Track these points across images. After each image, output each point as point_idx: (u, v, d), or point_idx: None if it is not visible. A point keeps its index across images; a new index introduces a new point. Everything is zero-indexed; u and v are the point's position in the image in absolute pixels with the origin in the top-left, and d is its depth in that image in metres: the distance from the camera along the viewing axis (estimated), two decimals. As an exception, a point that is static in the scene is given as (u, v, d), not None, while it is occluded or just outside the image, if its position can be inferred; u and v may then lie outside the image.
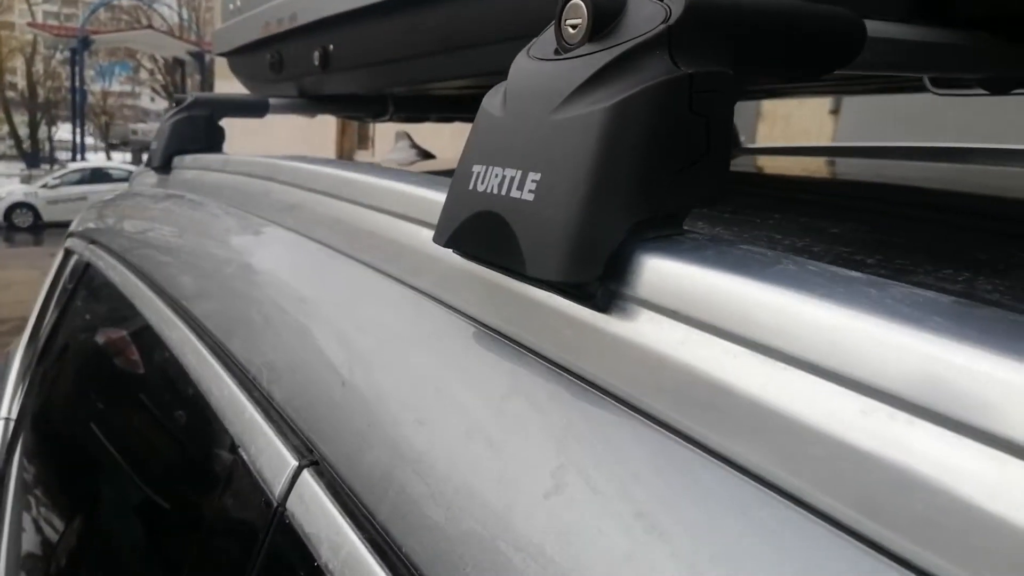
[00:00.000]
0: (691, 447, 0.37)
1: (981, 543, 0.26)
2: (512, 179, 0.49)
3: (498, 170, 0.50)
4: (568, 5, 0.50)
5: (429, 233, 0.63)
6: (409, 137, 2.32)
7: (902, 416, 0.30)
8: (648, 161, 0.45)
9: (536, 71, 0.52)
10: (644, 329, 0.42)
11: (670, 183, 0.46)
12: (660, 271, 0.42)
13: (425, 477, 0.43)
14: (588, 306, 0.46)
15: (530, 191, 0.47)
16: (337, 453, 0.52)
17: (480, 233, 0.51)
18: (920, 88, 1.07)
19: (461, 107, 1.86)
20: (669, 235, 0.46)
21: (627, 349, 0.43)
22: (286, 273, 0.76)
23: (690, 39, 0.46)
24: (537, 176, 0.47)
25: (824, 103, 4.65)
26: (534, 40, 0.55)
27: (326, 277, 0.70)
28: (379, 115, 1.88)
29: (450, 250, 0.58)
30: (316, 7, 1.43)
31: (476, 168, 0.53)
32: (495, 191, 0.50)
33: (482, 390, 0.47)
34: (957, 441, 0.28)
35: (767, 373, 0.36)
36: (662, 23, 0.46)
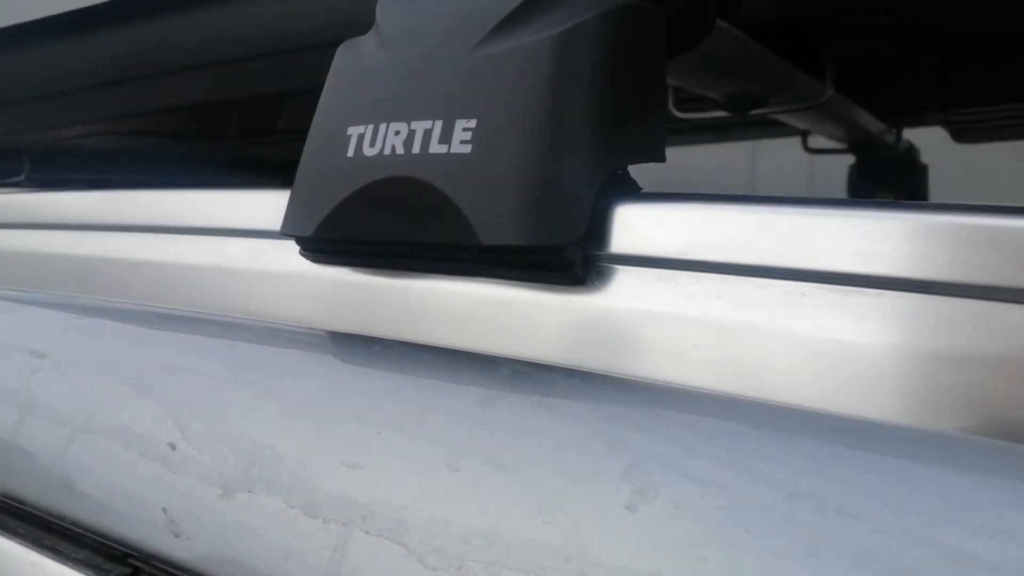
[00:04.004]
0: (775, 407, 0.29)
1: None
2: (427, 132, 0.37)
3: (399, 125, 0.38)
4: None
5: (248, 245, 0.47)
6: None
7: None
8: (614, 96, 0.37)
9: (429, 8, 0.41)
10: (655, 291, 0.34)
11: (629, 128, 0.39)
12: (664, 224, 0.34)
13: (395, 534, 0.29)
14: (563, 279, 0.36)
15: (463, 142, 0.36)
16: (189, 545, 0.33)
17: (379, 209, 0.38)
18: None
19: (119, 166, 1.58)
20: (635, 190, 0.38)
21: (630, 319, 0.34)
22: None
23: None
24: (471, 123, 0.36)
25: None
26: None
27: (61, 329, 0.49)
28: (8, 176, 1.52)
29: (290, 257, 0.43)
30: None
31: (354, 130, 0.40)
32: (400, 151, 0.38)
33: (432, 410, 0.33)
34: None
35: (843, 302, 0.30)
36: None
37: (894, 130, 1.42)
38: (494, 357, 0.35)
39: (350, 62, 0.43)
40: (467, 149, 0.36)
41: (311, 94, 1.09)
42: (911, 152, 1.65)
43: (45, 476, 0.40)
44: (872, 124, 1.24)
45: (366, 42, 0.43)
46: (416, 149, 0.38)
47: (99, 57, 0.97)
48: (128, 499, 0.37)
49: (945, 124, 1.20)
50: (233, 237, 0.47)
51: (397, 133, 0.38)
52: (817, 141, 1.54)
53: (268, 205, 0.47)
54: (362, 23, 0.74)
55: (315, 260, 0.42)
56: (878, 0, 0.67)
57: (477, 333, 0.37)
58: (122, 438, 0.38)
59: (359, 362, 0.38)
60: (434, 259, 0.38)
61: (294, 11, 0.82)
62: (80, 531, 0.37)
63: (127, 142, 1.39)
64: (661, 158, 0.41)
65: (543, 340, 0.36)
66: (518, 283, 0.37)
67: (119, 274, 0.50)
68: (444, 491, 0.30)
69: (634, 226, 0.35)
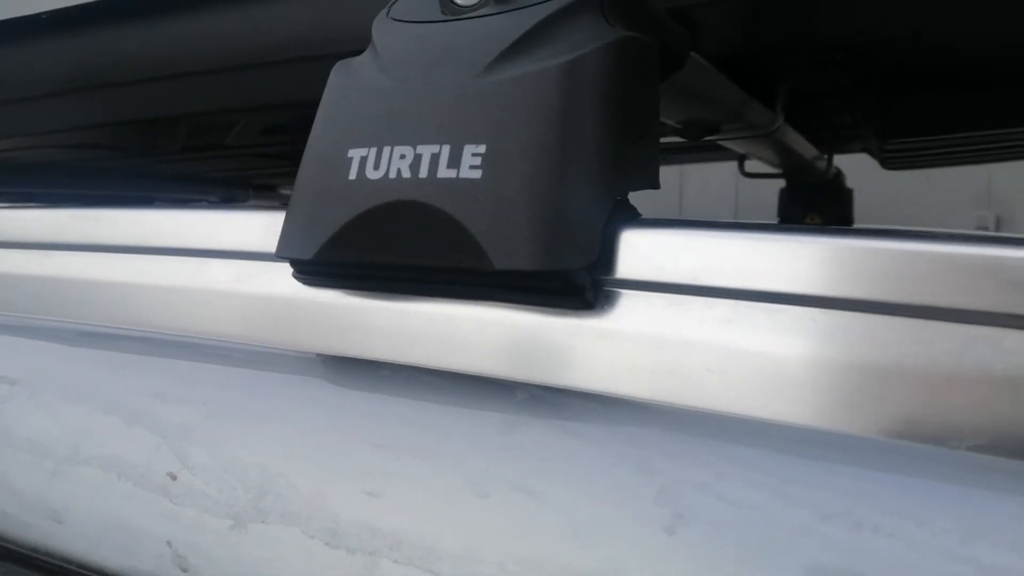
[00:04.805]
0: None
1: None
2: (434, 156, 0.38)
3: (404, 149, 0.38)
4: None
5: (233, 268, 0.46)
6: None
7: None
8: (620, 124, 0.38)
9: (429, 33, 0.41)
10: (666, 316, 0.35)
11: (632, 155, 0.40)
12: (674, 250, 0.35)
13: (427, 562, 0.29)
14: (572, 304, 0.36)
15: (473, 167, 0.37)
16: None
17: (385, 232, 0.38)
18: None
19: (54, 180, 1.51)
20: (636, 216, 0.39)
21: (642, 343, 0.35)
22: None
23: (618, 0, 0.41)
24: (480, 148, 0.37)
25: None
26: (392, 3, 0.45)
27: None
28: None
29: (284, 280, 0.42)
30: None
31: (356, 152, 0.40)
32: (406, 175, 0.38)
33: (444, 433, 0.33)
34: None
35: (854, 328, 0.31)
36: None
37: (825, 156, 1.49)
38: (507, 381, 0.35)
39: (347, 83, 0.43)
40: (477, 174, 0.36)
41: (260, 111, 1.07)
42: (839, 177, 1.73)
43: (28, 510, 0.38)
44: (808, 151, 1.29)
45: (363, 63, 0.43)
46: (423, 173, 0.38)
47: (38, 69, 0.93)
48: (127, 532, 0.35)
49: (879, 152, 1.27)
50: (214, 258, 0.46)
51: (402, 157, 0.38)
52: (752, 166, 1.60)
53: (252, 226, 0.46)
54: (322, 41, 0.73)
55: (312, 283, 0.42)
56: (832, 35, 0.70)
57: (487, 357, 0.37)
58: (114, 469, 0.37)
59: (366, 387, 0.37)
60: (442, 283, 0.38)
61: (250, 28, 0.81)
62: (73, 567, 0.35)
63: (61, 155, 1.34)
64: (657, 184, 0.42)
65: (554, 365, 0.36)
66: (526, 308, 0.37)
67: (91, 297, 0.49)
68: (474, 518, 0.30)
69: (643, 252, 0.36)
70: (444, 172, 0.37)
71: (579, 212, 0.36)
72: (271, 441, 0.35)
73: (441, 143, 0.38)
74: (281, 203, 1.78)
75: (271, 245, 0.43)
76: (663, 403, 0.33)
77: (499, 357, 0.37)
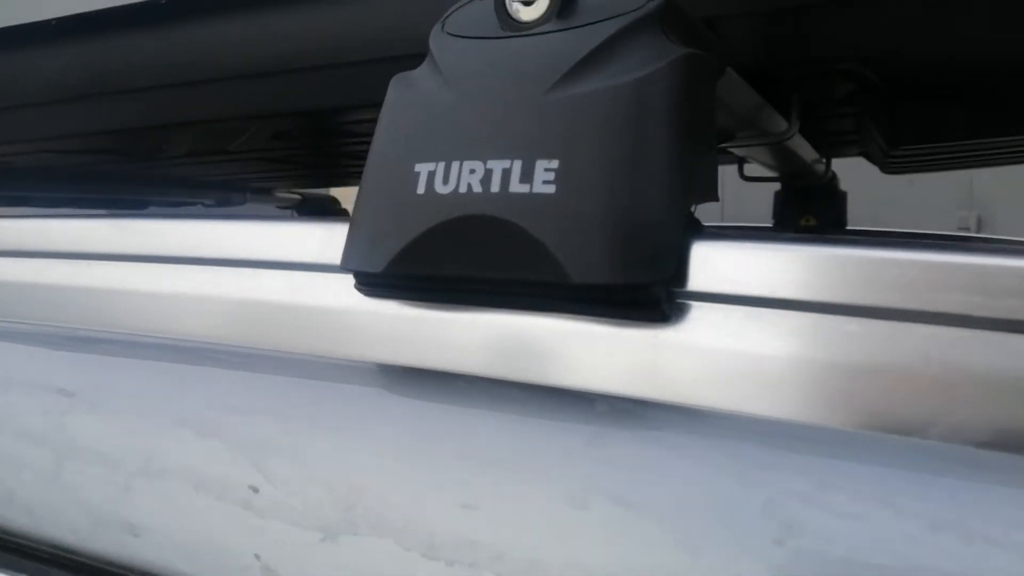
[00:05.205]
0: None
1: None
2: (506, 171, 0.38)
3: (473, 164, 0.39)
4: None
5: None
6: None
7: None
8: (687, 138, 0.39)
9: (492, 48, 0.42)
10: (743, 328, 0.35)
11: (697, 169, 0.40)
12: (747, 262, 0.36)
13: (532, 575, 0.29)
14: (648, 317, 0.37)
15: (546, 182, 0.37)
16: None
17: (457, 246, 0.39)
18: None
19: (49, 185, 1.49)
20: (701, 228, 0.40)
21: (718, 356, 0.35)
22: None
23: (674, 17, 0.42)
24: (553, 164, 0.37)
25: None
26: (448, 15, 0.45)
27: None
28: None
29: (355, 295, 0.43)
30: None
31: (423, 167, 0.40)
32: (478, 189, 0.38)
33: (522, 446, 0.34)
34: None
35: (937, 339, 0.32)
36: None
37: (823, 160, 1.51)
38: (586, 393, 0.36)
39: (409, 98, 0.43)
40: (551, 189, 0.37)
41: (267, 118, 1.06)
42: (833, 180, 1.75)
43: (102, 524, 0.38)
44: (810, 155, 1.31)
45: (424, 77, 0.43)
46: (495, 188, 0.38)
47: (48, 74, 0.93)
48: (209, 545, 0.35)
49: (883, 158, 1.28)
50: (274, 270, 0.46)
51: (472, 172, 0.39)
52: (751, 169, 1.61)
53: (310, 237, 0.47)
54: (330, 49, 0.73)
55: (377, 295, 0.42)
56: (852, 48, 0.71)
57: (563, 369, 0.38)
58: (191, 481, 0.37)
59: (444, 399, 0.38)
60: (517, 295, 0.39)
61: (261, 36, 0.81)
62: (155, 582, 0.35)
63: (58, 159, 1.32)
64: (716, 197, 0.43)
65: (632, 377, 0.37)
66: (601, 320, 0.38)
67: (142, 307, 0.48)
68: (576, 530, 0.30)
69: (717, 264, 0.37)
70: (517, 187, 0.38)
71: (655, 226, 0.36)
72: (352, 453, 0.36)
73: (512, 158, 0.38)
74: (278, 206, 1.78)
75: (329, 257, 0.44)
76: (744, 414, 0.34)
77: (575, 369, 0.38)
